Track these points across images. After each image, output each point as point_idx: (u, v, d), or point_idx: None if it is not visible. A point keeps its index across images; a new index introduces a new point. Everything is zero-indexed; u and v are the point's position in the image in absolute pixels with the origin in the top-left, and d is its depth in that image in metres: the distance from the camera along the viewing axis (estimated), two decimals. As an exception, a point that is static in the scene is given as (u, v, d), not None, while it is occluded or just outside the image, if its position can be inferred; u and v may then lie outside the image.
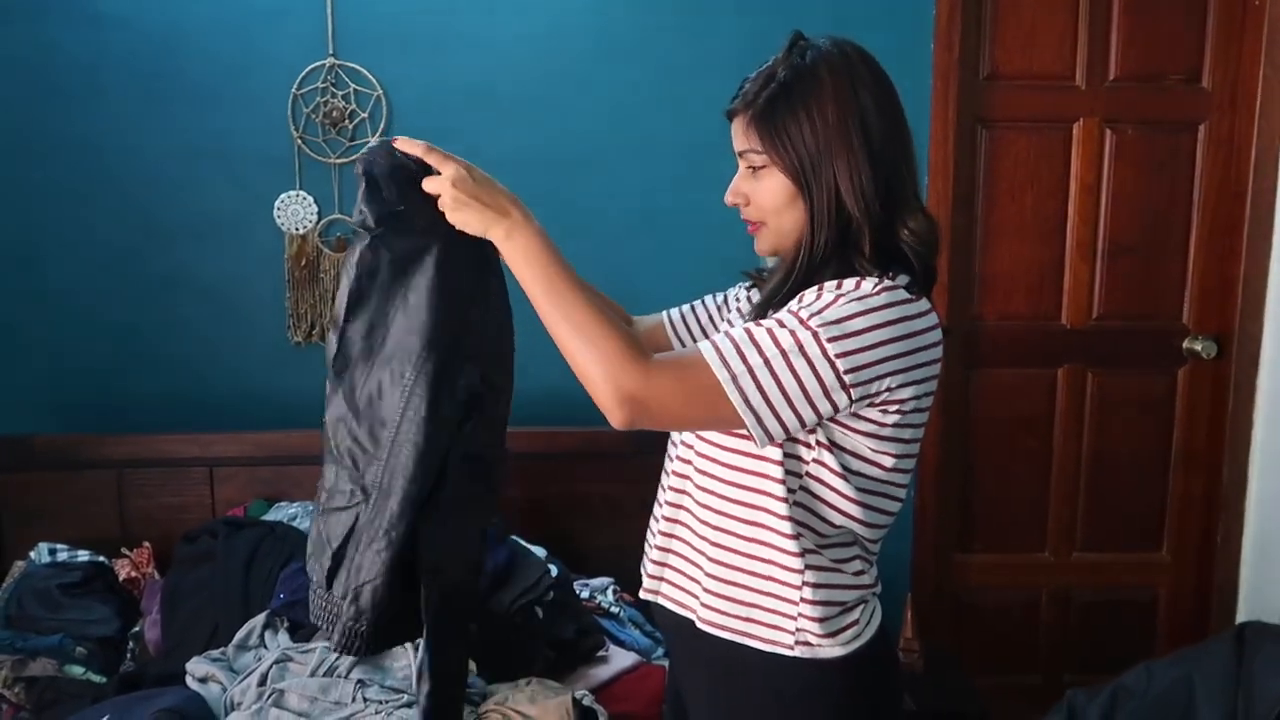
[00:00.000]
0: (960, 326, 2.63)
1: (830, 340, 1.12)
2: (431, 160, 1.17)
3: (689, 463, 1.31)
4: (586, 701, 1.81)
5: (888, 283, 1.17)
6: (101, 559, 2.29)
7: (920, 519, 2.66)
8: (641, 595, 1.40)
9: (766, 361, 1.12)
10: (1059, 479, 2.73)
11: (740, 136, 1.25)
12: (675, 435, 1.36)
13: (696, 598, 1.29)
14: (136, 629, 2.14)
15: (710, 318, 1.47)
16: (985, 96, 2.57)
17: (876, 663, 1.30)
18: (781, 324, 1.14)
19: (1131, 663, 2.19)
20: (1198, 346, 2.65)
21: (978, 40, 2.54)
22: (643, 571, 1.41)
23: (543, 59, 2.44)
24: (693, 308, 1.49)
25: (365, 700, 1.72)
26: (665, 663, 2.09)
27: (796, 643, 1.24)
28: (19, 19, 2.37)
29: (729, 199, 1.28)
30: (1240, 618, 2.60)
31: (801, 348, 1.12)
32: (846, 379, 1.13)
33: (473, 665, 1.90)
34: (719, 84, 2.45)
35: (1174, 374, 2.70)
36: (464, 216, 1.16)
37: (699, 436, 1.28)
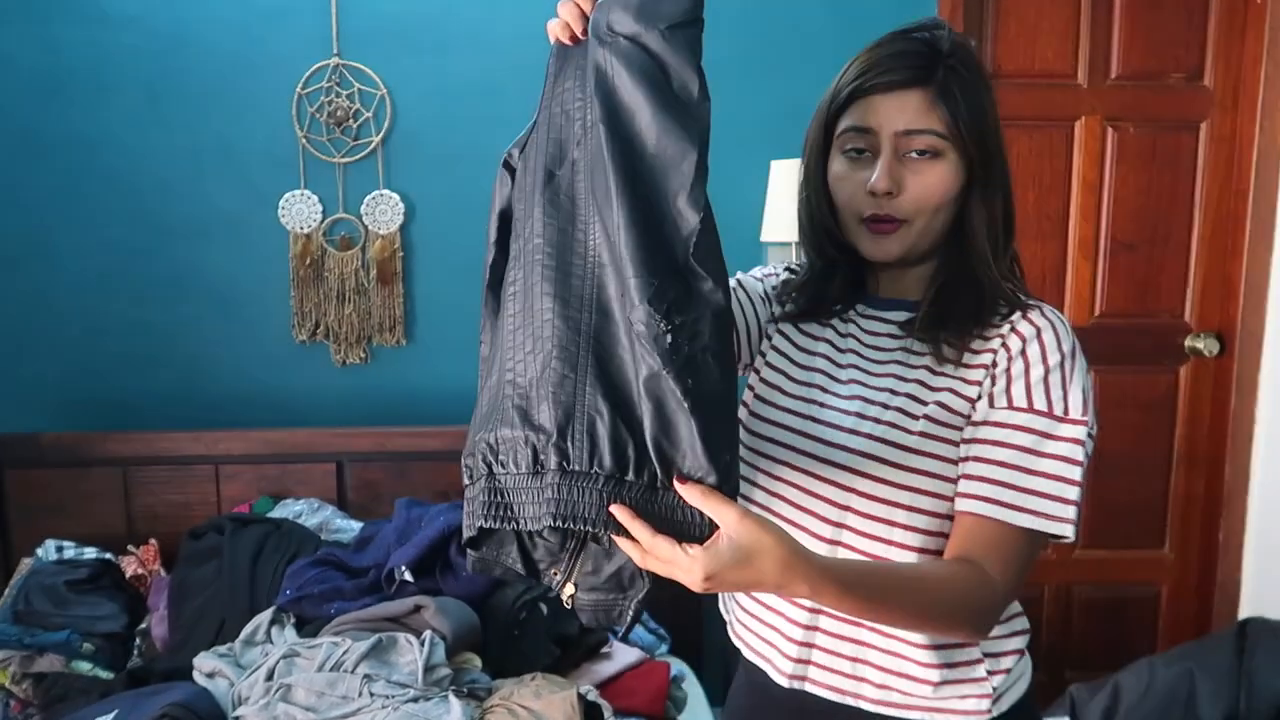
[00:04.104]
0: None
1: (1091, 425, 1.04)
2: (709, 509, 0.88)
3: (842, 524, 1.08)
4: (591, 697, 1.82)
5: (1060, 316, 1.08)
6: (108, 556, 2.31)
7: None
8: (779, 681, 1.15)
9: (1075, 483, 1.02)
10: (1061, 476, 2.73)
11: (914, 114, 1.05)
12: (797, 497, 1.11)
13: (866, 680, 1.11)
14: (143, 625, 2.15)
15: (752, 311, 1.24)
16: (987, 95, 2.57)
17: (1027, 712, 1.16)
18: (1075, 440, 1.02)
19: (1134, 659, 2.20)
20: (1200, 344, 2.65)
21: (980, 38, 2.54)
22: (745, 642, 1.20)
23: (545, 58, 2.45)
24: (735, 295, 1.23)
25: (372, 695, 1.73)
26: (668, 659, 2.10)
27: (993, 704, 1.09)
28: (25, 19, 2.39)
29: (882, 184, 1.06)
30: (1242, 614, 2.60)
31: (1088, 454, 1.03)
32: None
33: (477, 661, 1.91)
34: (718, 82, 2.48)
35: (1176, 371, 2.70)
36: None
37: (863, 474, 1.07)
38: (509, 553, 0.98)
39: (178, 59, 2.42)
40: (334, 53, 2.44)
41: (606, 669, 1.99)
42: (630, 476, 0.86)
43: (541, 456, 0.88)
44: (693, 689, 2.07)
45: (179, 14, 2.41)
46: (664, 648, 2.18)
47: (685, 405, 0.84)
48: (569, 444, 0.87)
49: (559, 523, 0.86)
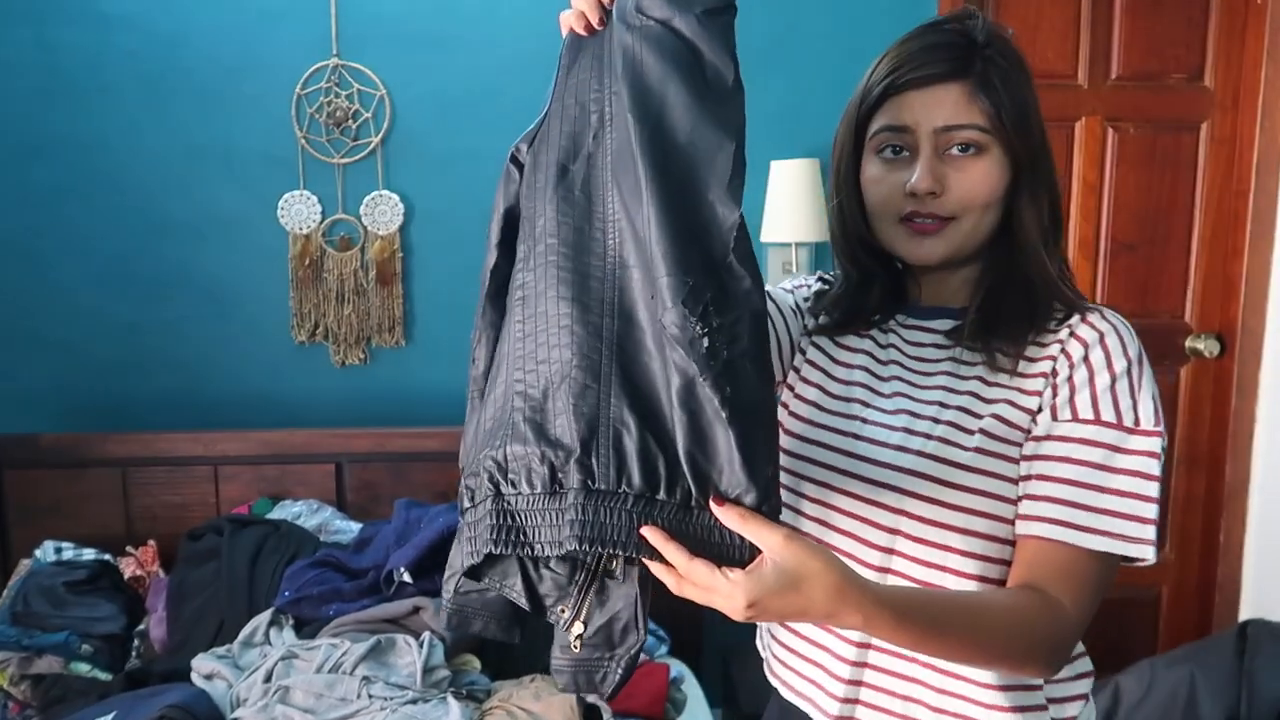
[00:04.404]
0: (963, 325, 2.64)
1: (1164, 436, 0.96)
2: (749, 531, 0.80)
3: (891, 549, 1.02)
4: (590, 698, 1.82)
5: (1123, 320, 1.01)
6: (107, 557, 2.30)
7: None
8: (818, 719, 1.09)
9: (1152, 499, 0.94)
10: (1062, 477, 2.73)
11: (953, 109, 1.00)
12: (836, 520, 1.05)
13: None
14: (142, 626, 2.15)
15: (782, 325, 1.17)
16: (987, 95, 2.57)
17: None
18: (1149, 453, 0.94)
19: (1134, 660, 2.19)
20: (1200, 345, 2.65)
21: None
22: (784, 681, 1.13)
23: (545, 60, 2.44)
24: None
25: (370, 697, 1.72)
26: (667, 660, 2.09)
27: None
28: (25, 20, 2.38)
29: (924, 184, 1.00)
30: (1243, 616, 2.60)
31: (1161, 463, 0.96)
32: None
33: (476, 663, 1.91)
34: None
35: (1177, 372, 2.70)
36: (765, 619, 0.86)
37: (913, 495, 1.00)
38: (512, 584, 0.89)
39: (176, 60, 2.42)
40: (333, 53, 2.43)
41: (606, 670, 1.99)
42: (661, 495, 0.80)
43: (560, 475, 0.81)
44: (692, 690, 2.07)
45: (177, 15, 2.41)
46: (663, 649, 2.18)
47: (723, 415, 0.78)
48: (593, 460, 0.80)
49: (585, 547, 0.78)
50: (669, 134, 0.82)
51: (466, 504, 0.87)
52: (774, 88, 2.49)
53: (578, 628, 0.88)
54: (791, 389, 1.14)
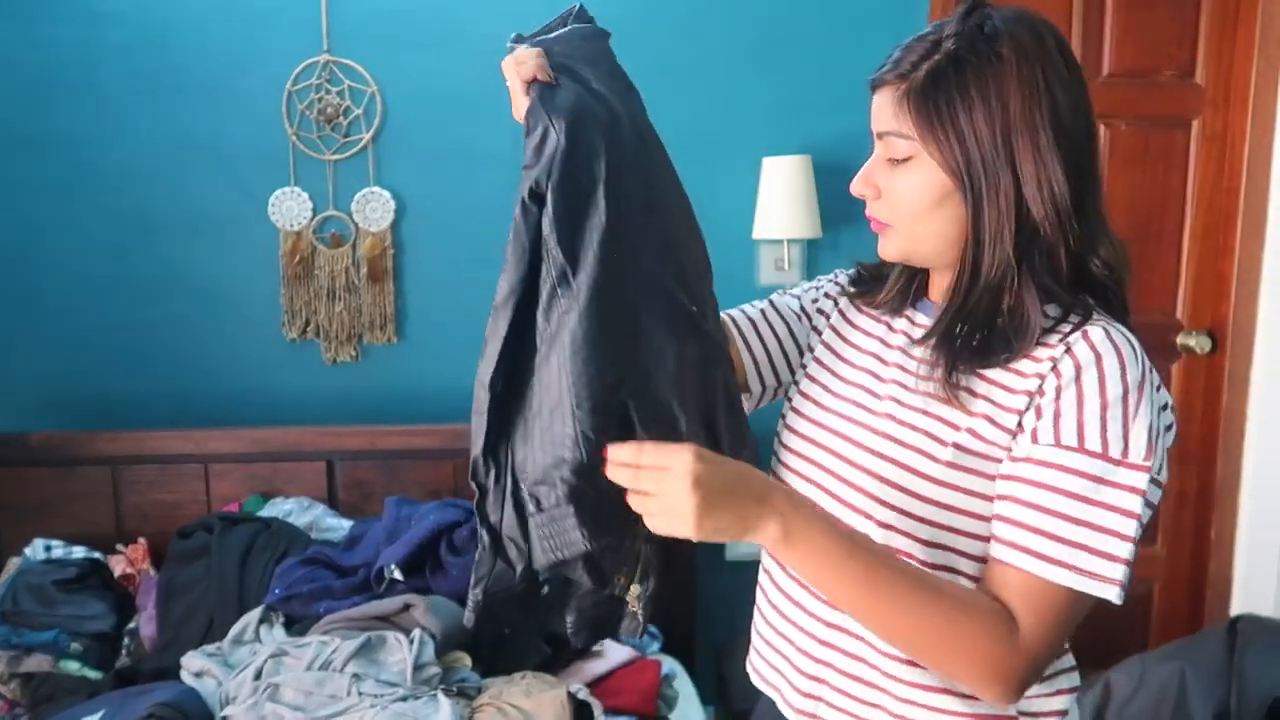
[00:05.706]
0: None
1: (1155, 466, 0.92)
2: (653, 457, 0.88)
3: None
4: (581, 695, 1.81)
5: (1129, 340, 0.94)
6: (97, 555, 2.29)
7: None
8: (784, 711, 1.10)
9: (1128, 538, 0.89)
10: (1053, 474, 2.73)
11: (885, 114, 0.97)
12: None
13: None
14: (132, 625, 2.14)
15: (787, 328, 1.18)
16: (979, 92, 2.57)
17: None
18: (1134, 489, 0.89)
19: (1125, 656, 2.20)
20: (1191, 342, 2.65)
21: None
22: (759, 671, 1.15)
23: (537, 55, 2.44)
24: (765, 315, 1.18)
25: (360, 694, 1.72)
26: (659, 657, 2.09)
27: None
28: (13, 15, 2.37)
29: (856, 188, 1.01)
30: (1234, 611, 2.61)
31: (1147, 501, 0.90)
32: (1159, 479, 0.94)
33: (467, 660, 1.90)
34: (716, 81, 2.48)
35: (1168, 369, 2.70)
36: (714, 524, 0.87)
37: (888, 503, 0.98)
38: (575, 567, 0.98)
39: (166, 56, 2.41)
40: (324, 49, 2.43)
41: (597, 667, 1.99)
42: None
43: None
44: (684, 687, 2.07)
45: (168, 10, 2.40)
46: (655, 646, 2.18)
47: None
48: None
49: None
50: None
51: (532, 509, 0.96)
52: (767, 85, 2.48)
53: (635, 589, 1.01)
54: (797, 384, 1.15)
